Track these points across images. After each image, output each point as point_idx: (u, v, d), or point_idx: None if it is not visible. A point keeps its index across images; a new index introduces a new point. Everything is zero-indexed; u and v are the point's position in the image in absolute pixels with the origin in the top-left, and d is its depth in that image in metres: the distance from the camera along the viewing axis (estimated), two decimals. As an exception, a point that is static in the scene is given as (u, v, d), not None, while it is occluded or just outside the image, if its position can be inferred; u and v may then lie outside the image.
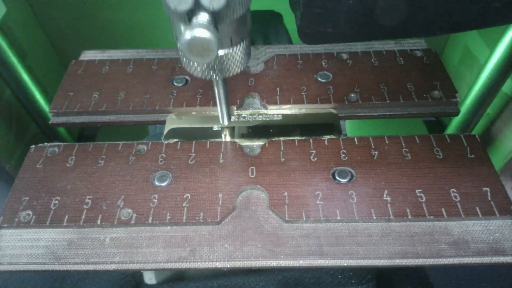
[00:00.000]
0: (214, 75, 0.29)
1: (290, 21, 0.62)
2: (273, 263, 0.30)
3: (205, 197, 0.33)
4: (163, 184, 0.34)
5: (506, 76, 0.56)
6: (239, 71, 0.30)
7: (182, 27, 0.26)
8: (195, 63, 0.29)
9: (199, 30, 0.23)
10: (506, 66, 0.55)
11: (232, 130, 0.39)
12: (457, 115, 0.41)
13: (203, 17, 0.24)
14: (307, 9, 0.25)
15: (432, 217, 0.31)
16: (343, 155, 0.36)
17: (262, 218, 0.33)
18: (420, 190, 0.33)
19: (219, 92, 0.34)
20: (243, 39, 0.28)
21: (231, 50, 0.28)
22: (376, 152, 0.36)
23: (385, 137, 0.37)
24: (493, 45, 0.55)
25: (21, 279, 0.44)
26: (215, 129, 0.39)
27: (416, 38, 0.47)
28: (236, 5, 0.25)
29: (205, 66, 0.29)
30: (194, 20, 0.24)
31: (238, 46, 0.28)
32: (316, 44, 0.27)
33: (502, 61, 0.55)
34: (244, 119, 0.40)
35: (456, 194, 0.33)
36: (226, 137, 0.38)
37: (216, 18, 0.25)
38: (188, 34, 0.23)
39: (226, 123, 0.37)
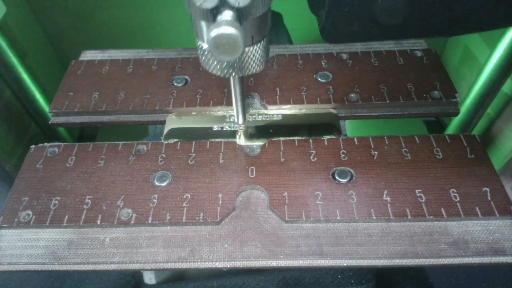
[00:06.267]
0: (234, 73, 0.29)
1: (290, 21, 0.62)
2: (273, 263, 0.30)
3: (205, 197, 0.33)
4: (163, 184, 0.34)
5: (506, 76, 0.56)
6: (258, 69, 0.29)
7: (206, 25, 0.26)
8: (215, 62, 0.28)
9: (225, 27, 0.23)
10: (506, 66, 0.55)
11: (246, 130, 0.39)
12: (457, 115, 0.41)
13: (227, 14, 0.24)
14: (334, 8, 0.25)
15: (432, 217, 0.31)
16: (343, 155, 0.36)
17: (262, 218, 0.33)
18: (420, 190, 0.33)
19: (235, 90, 0.33)
20: (264, 37, 0.28)
21: (251, 48, 0.28)
22: (376, 152, 0.36)
23: (385, 137, 0.37)
24: (493, 45, 0.55)
25: (21, 279, 0.44)
26: (215, 129, 0.39)
27: (417, 38, 0.47)
28: (259, 2, 0.25)
29: (225, 64, 0.28)
30: (219, 17, 0.24)
31: (259, 44, 0.28)
32: (339, 43, 0.27)
33: (502, 61, 0.55)
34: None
35: (456, 194, 0.33)
36: (240, 138, 0.38)
37: (240, 16, 0.25)
38: (214, 31, 0.23)
39: (241, 121, 0.37)
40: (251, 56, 0.28)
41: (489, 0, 0.24)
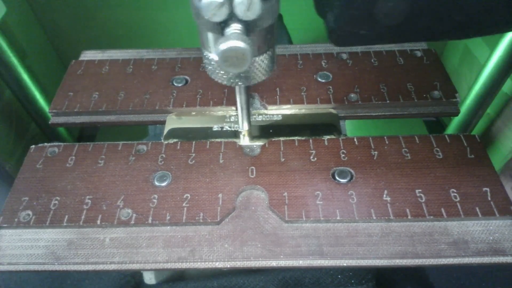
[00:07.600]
0: (240, 82, 0.29)
1: (290, 21, 0.62)
2: (273, 263, 0.30)
3: (205, 197, 0.33)
4: (163, 184, 0.34)
5: (506, 76, 0.56)
6: (264, 78, 0.29)
7: (214, 37, 0.26)
8: (222, 72, 0.28)
9: (234, 41, 0.23)
10: (506, 66, 0.55)
11: (250, 130, 0.39)
12: (457, 115, 0.41)
13: (236, 27, 0.24)
14: (344, 11, 0.24)
15: (431, 217, 0.31)
16: (343, 155, 0.36)
17: (262, 218, 0.33)
18: (420, 190, 0.33)
19: (241, 98, 0.33)
20: (270, 47, 0.28)
21: (258, 58, 0.28)
22: (376, 152, 0.36)
23: (385, 137, 0.37)
24: (493, 45, 0.55)
25: (21, 279, 0.44)
26: (215, 129, 0.39)
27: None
28: (267, 14, 0.25)
29: (231, 74, 0.28)
30: (227, 30, 0.24)
31: (265, 54, 0.28)
32: (348, 46, 0.27)
33: (502, 61, 0.55)
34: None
35: (456, 194, 0.33)
36: (245, 139, 0.38)
37: (247, 28, 0.25)
38: (223, 45, 0.23)
39: (246, 128, 0.37)
40: (257, 66, 0.28)
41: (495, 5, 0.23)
